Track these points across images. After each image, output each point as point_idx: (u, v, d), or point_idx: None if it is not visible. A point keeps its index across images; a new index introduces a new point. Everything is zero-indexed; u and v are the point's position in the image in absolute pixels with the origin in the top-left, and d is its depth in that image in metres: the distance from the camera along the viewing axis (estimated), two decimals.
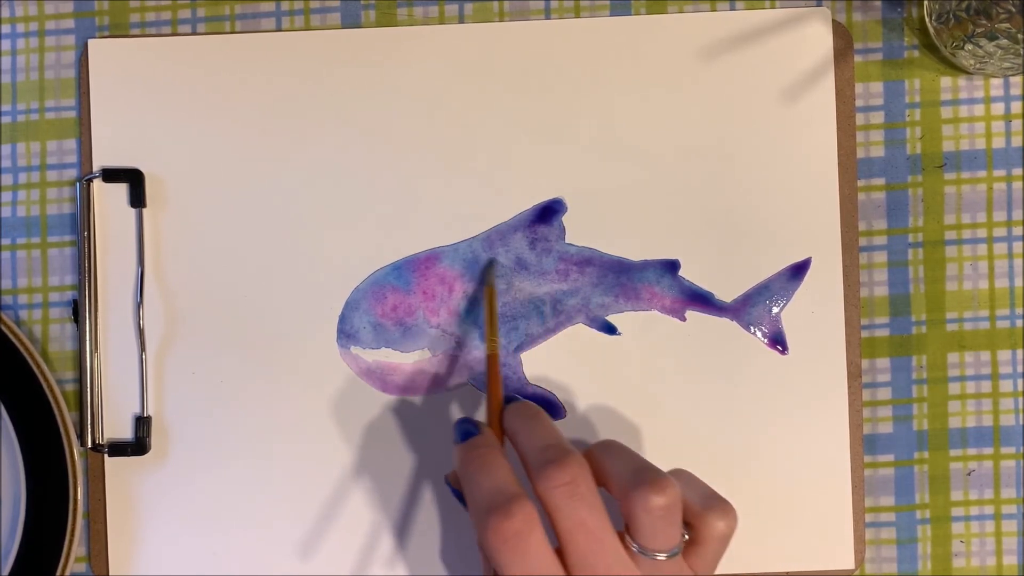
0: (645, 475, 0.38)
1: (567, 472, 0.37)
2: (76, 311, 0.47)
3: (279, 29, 0.48)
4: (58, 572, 0.46)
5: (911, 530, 0.48)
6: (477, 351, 0.47)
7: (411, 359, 0.47)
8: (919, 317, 0.48)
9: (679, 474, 0.41)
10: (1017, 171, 0.48)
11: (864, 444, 0.47)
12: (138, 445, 0.47)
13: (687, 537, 0.39)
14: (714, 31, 0.47)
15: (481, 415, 0.47)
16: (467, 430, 0.41)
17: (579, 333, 0.47)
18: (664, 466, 0.47)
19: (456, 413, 0.47)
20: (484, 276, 0.46)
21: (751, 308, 0.47)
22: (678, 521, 0.38)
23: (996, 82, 0.48)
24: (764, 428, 0.47)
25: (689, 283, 0.47)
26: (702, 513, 0.39)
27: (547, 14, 0.48)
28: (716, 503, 0.39)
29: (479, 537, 0.37)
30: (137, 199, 0.47)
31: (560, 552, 0.37)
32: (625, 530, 0.38)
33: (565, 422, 0.47)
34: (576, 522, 0.37)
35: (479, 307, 0.47)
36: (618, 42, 0.47)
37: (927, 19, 0.47)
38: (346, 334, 0.47)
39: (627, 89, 0.47)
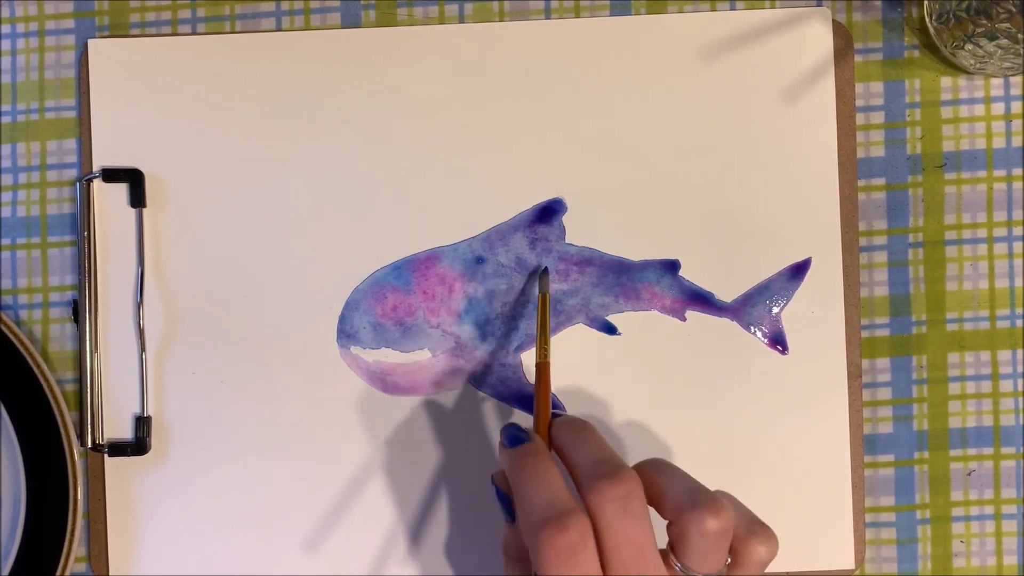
0: (700, 497, 0.38)
1: (622, 487, 0.37)
2: (76, 311, 0.47)
3: (279, 29, 0.48)
4: (58, 572, 0.46)
5: (911, 530, 0.48)
6: (477, 351, 0.47)
7: (411, 359, 0.47)
8: (919, 317, 0.48)
9: (725, 497, 0.40)
10: (1017, 171, 0.48)
11: (864, 444, 0.47)
12: (138, 445, 0.47)
13: (729, 560, 0.39)
14: (714, 31, 0.47)
15: (481, 415, 0.47)
16: (517, 436, 0.40)
17: (579, 333, 0.47)
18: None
19: (456, 413, 0.47)
20: (539, 284, 0.46)
21: (751, 308, 0.47)
22: (727, 545, 0.38)
23: (996, 82, 0.48)
24: (764, 428, 0.47)
25: (689, 283, 0.47)
26: (746, 538, 0.39)
27: (547, 14, 0.48)
28: (759, 528, 0.39)
29: (531, 546, 0.37)
30: (137, 199, 0.47)
31: (603, 565, 0.37)
32: (670, 549, 0.38)
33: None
34: (625, 538, 0.37)
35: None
36: (618, 42, 0.47)
37: (927, 19, 0.47)
38: (346, 334, 0.47)
39: (627, 89, 0.47)
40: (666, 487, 0.39)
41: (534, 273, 0.47)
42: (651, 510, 0.38)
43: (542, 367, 0.43)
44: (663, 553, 0.38)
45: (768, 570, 0.46)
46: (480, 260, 0.47)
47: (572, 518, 0.36)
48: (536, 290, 0.46)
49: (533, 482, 0.38)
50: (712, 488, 0.40)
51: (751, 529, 0.39)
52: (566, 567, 0.36)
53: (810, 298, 0.47)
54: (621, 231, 0.47)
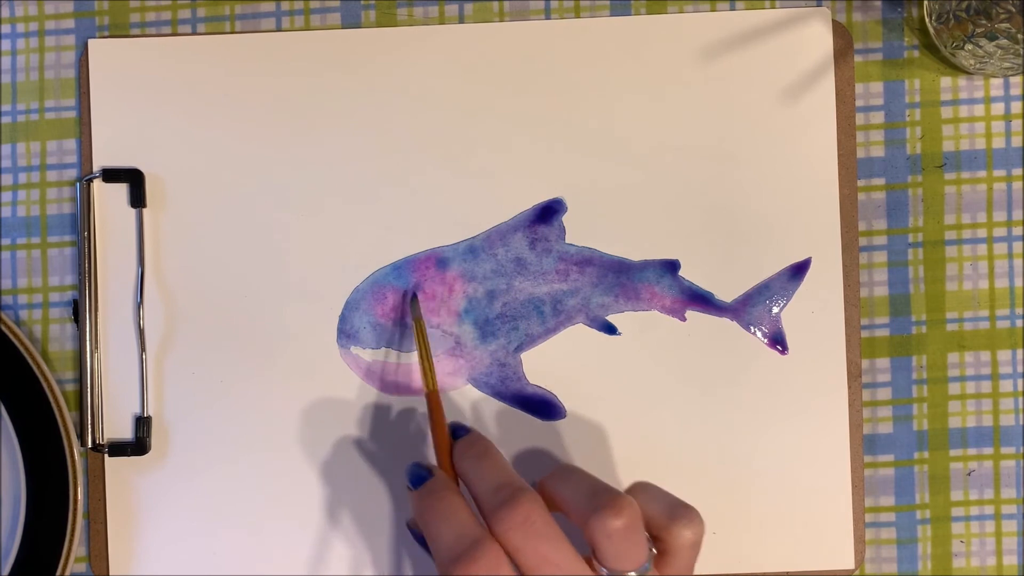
0: (601, 498, 0.38)
1: (520, 511, 0.37)
2: (76, 311, 0.47)
3: (279, 29, 0.48)
4: (58, 572, 0.46)
5: (911, 530, 0.48)
6: (477, 351, 0.47)
7: (411, 359, 0.47)
8: (919, 317, 0.48)
9: (641, 488, 0.40)
10: (1017, 171, 0.48)
11: (864, 444, 0.47)
12: (138, 445, 0.47)
13: (655, 551, 0.39)
14: (714, 31, 0.47)
15: (481, 415, 0.47)
16: (419, 475, 0.40)
17: (579, 333, 0.47)
18: (663, 465, 0.47)
19: (456, 413, 0.47)
20: (411, 310, 0.46)
21: (751, 308, 0.47)
22: (641, 539, 0.38)
23: (996, 82, 0.48)
24: (764, 428, 0.47)
25: (689, 283, 0.47)
26: (668, 525, 0.39)
27: (547, 14, 0.48)
28: (680, 512, 0.39)
29: None
30: (137, 199, 0.47)
31: None
32: (592, 555, 0.38)
33: (565, 422, 0.47)
34: (539, 559, 0.37)
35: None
36: (618, 42, 0.47)
37: (927, 19, 0.47)
38: (346, 334, 0.47)
39: (627, 89, 0.47)
40: (567, 495, 0.39)
41: (405, 298, 0.47)
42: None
43: (431, 397, 0.43)
44: (589, 560, 0.38)
45: (768, 570, 0.46)
46: (480, 260, 0.47)
47: (480, 549, 0.37)
48: (409, 317, 0.46)
49: (438, 520, 0.38)
50: (676, 497, 0.40)
51: (673, 514, 0.39)
52: None
53: (810, 298, 0.47)
54: (621, 231, 0.47)
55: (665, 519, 0.39)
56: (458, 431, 0.42)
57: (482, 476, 0.39)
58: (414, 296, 0.46)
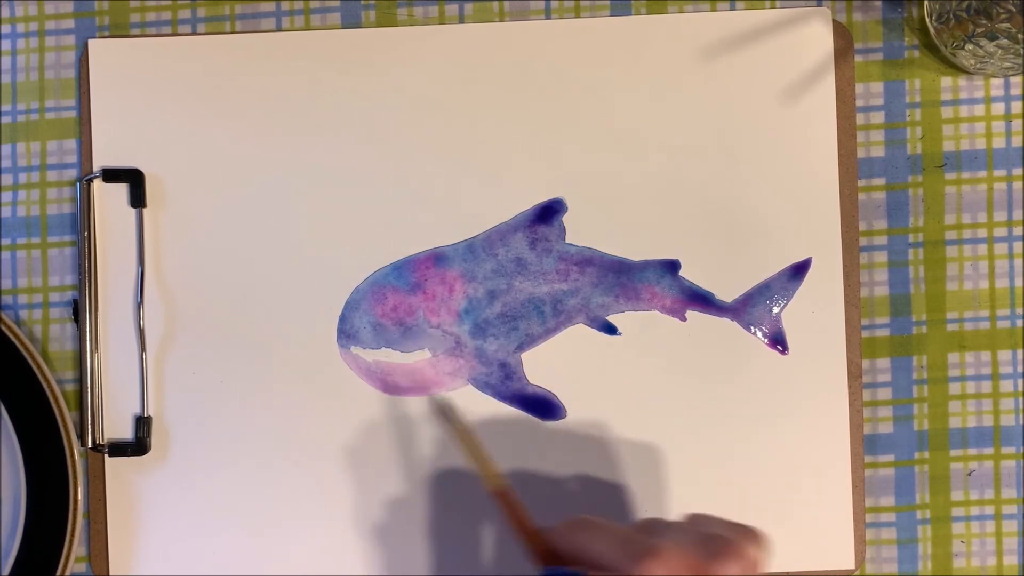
0: (636, 546, 0.37)
1: (662, 557, 0.37)
2: (76, 311, 0.47)
3: (279, 29, 0.48)
4: (58, 572, 0.46)
5: (911, 530, 0.48)
6: (477, 351, 0.47)
7: (411, 359, 0.47)
8: (919, 317, 0.48)
9: (691, 522, 0.40)
10: (1017, 171, 0.48)
11: (864, 444, 0.47)
12: (138, 445, 0.47)
13: None
14: (714, 31, 0.47)
15: (482, 415, 0.47)
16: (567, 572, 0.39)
17: (579, 333, 0.47)
18: (663, 465, 0.47)
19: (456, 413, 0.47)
20: (449, 420, 0.46)
21: (751, 308, 0.47)
22: None
23: (996, 82, 0.48)
24: (764, 428, 0.47)
25: (689, 283, 0.47)
26: (708, 563, 0.38)
27: (547, 14, 0.48)
28: (720, 547, 0.38)
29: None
30: (137, 199, 0.47)
31: None
32: None
33: (565, 422, 0.47)
34: None
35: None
36: (618, 42, 0.47)
37: (927, 19, 0.47)
38: (346, 334, 0.47)
39: (627, 89, 0.47)
40: (600, 548, 0.38)
41: (443, 411, 0.46)
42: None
43: (500, 495, 0.42)
44: None
45: (768, 570, 0.46)
46: (480, 260, 0.47)
47: (659, 546, 0.37)
48: (447, 425, 0.46)
49: (598, 541, 0.38)
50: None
51: (712, 551, 0.38)
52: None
53: (810, 298, 0.47)
54: (621, 231, 0.47)
55: (704, 556, 0.38)
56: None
57: (605, 539, 0.38)
58: (444, 402, 0.46)
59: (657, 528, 0.39)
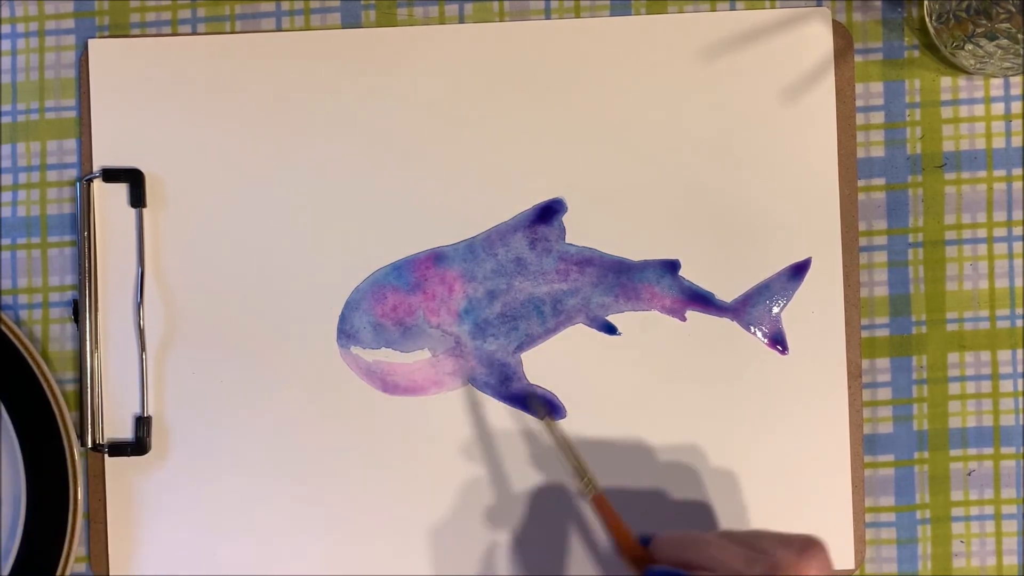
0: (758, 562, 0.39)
1: (814, 559, 0.38)
2: (76, 311, 0.47)
3: (279, 29, 0.48)
4: (58, 572, 0.46)
5: (911, 530, 0.48)
6: (477, 351, 0.47)
7: (411, 359, 0.47)
8: (919, 317, 0.48)
9: (754, 535, 0.41)
10: (1017, 171, 0.48)
11: (864, 444, 0.47)
12: (138, 445, 0.47)
13: None
14: (714, 31, 0.47)
15: (481, 415, 0.47)
16: (669, 572, 0.40)
17: (579, 333, 0.47)
18: (663, 465, 0.47)
19: (456, 413, 0.47)
20: (538, 413, 0.46)
21: (751, 308, 0.47)
22: None
23: (996, 82, 0.48)
24: (764, 428, 0.47)
25: (689, 283, 0.47)
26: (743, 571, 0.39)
27: (547, 14, 0.48)
28: (753, 559, 0.39)
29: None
30: (137, 199, 0.47)
31: None
32: None
33: (565, 422, 0.47)
34: None
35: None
36: (618, 42, 0.47)
37: (927, 19, 0.47)
38: (346, 334, 0.47)
39: (627, 89, 0.47)
40: (724, 557, 0.39)
41: (527, 399, 0.47)
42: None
43: (598, 501, 0.43)
44: None
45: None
46: (480, 260, 0.47)
47: (816, 544, 0.38)
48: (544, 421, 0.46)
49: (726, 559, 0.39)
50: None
51: (748, 560, 0.39)
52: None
53: (810, 298, 0.47)
54: (621, 231, 0.47)
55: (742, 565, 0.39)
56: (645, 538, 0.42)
57: (720, 557, 0.39)
58: (534, 396, 0.47)
59: (748, 539, 0.40)
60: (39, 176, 0.48)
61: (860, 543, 0.47)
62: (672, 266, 0.47)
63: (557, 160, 0.47)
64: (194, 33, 0.48)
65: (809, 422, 0.47)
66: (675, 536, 0.41)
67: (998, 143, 0.48)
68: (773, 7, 0.47)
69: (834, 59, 0.47)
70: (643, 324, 0.47)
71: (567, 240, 0.47)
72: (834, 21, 0.47)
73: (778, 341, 0.47)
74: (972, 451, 0.48)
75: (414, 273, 0.47)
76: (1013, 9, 0.43)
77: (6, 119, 0.48)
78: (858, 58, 0.48)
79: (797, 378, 0.47)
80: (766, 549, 0.38)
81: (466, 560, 0.47)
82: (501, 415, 0.47)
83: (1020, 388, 0.48)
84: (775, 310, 0.47)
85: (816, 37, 0.47)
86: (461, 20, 0.48)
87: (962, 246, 0.48)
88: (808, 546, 0.38)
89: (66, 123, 0.48)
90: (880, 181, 0.48)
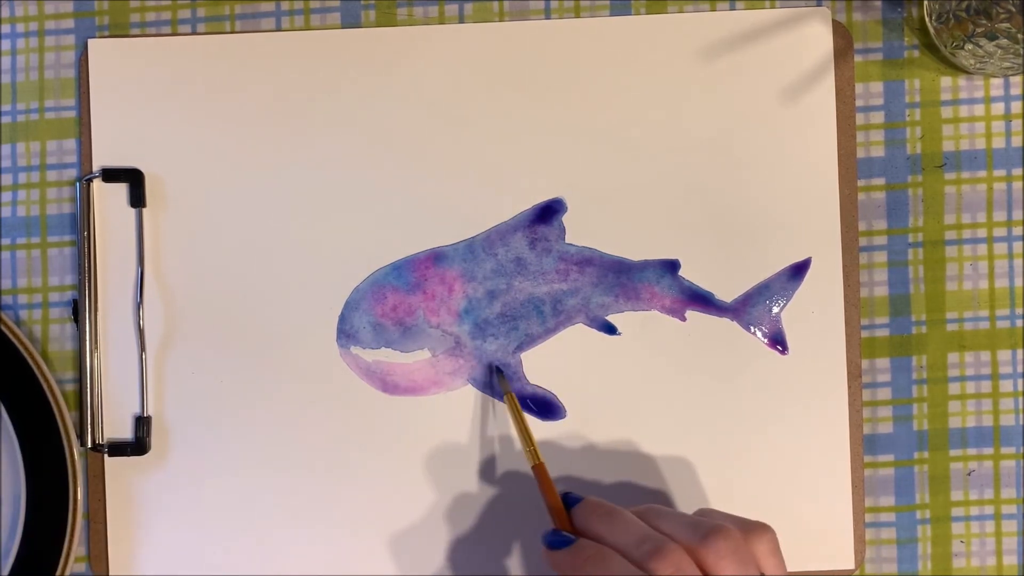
0: (700, 529, 0.39)
1: (671, 560, 0.38)
2: (76, 311, 0.47)
3: (279, 29, 0.48)
4: (58, 572, 0.46)
5: (911, 530, 0.48)
6: (477, 351, 0.47)
7: (411, 359, 0.47)
8: (919, 317, 0.48)
9: (706, 512, 0.42)
10: (1017, 171, 0.48)
11: (864, 444, 0.47)
12: (138, 445, 0.47)
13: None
14: (714, 31, 0.47)
15: (481, 415, 0.47)
16: (564, 538, 0.41)
17: (579, 333, 0.47)
18: (663, 465, 0.47)
19: (456, 413, 0.47)
20: (499, 384, 0.47)
21: (751, 308, 0.47)
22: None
23: (996, 82, 0.48)
24: (764, 428, 0.47)
25: (689, 283, 0.47)
26: (699, 546, 0.39)
27: (547, 14, 0.48)
28: (703, 530, 0.39)
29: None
30: (137, 199, 0.47)
31: None
32: None
33: (565, 422, 0.47)
34: None
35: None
36: (618, 42, 0.47)
37: (927, 19, 0.47)
38: (346, 334, 0.47)
39: (627, 89, 0.47)
40: (668, 530, 0.40)
41: (491, 371, 0.47)
42: None
43: (537, 470, 0.44)
44: None
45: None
46: (480, 260, 0.47)
47: (670, 546, 0.38)
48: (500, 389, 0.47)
49: (616, 535, 0.39)
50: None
51: (749, 529, 0.40)
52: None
53: (810, 298, 0.47)
54: (621, 231, 0.47)
55: (697, 541, 0.39)
56: (569, 498, 0.43)
57: (620, 532, 0.40)
58: (499, 370, 0.47)
59: (663, 515, 0.40)
60: (39, 176, 0.48)
61: (860, 543, 0.47)
62: (672, 266, 0.47)
63: (557, 160, 0.47)
64: (194, 33, 0.48)
65: (809, 422, 0.47)
66: (591, 503, 0.41)
67: (998, 143, 0.48)
68: (773, 7, 0.47)
69: (834, 59, 0.47)
70: (643, 324, 0.47)
71: (567, 240, 0.47)
72: (834, 21, 0.47)
73: (778, 341, 0.47)
74: (972, 451, 0.48)
75: (414, 273, 0.47)
76: (1013, 9, 0.43)
77: (6, 119, 0.48)
78: (858, 58, 0.48)
79: (797, 378, 0.47)
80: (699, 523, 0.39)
81: (466, 560, 0.47)
82: (501, 415, 0.47)
83: (1020, 388, 0.48)
84: (775, 310, 0.47)
85: (816, 37, 0.47)
86: (461, 20, 0.48)
87: (962, 246, 0.48)
88: (711, 529, 0.39)
89: (66, 123, 0.48)
90: (880, 181, 0.48)
